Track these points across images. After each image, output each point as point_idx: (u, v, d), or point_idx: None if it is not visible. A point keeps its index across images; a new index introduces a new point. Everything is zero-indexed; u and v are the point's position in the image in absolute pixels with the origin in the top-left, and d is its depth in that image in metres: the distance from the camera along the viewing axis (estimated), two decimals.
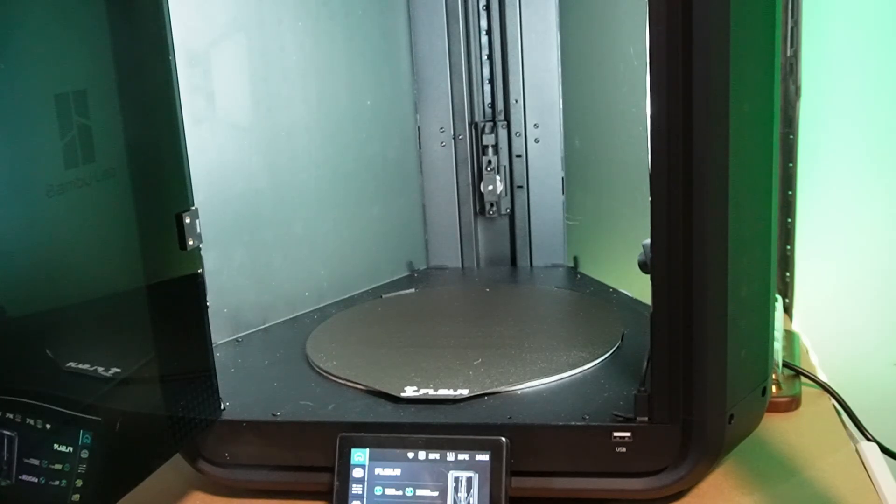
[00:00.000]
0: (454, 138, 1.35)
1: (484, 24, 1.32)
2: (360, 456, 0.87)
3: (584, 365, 0.97)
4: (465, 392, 0.91)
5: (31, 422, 0.69)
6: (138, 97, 0.82)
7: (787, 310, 1.36)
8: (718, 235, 0.77)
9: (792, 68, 1.30)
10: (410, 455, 0.87)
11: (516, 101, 1.33)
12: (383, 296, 1.27)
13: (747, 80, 0.76)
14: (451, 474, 0.85)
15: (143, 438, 0.82)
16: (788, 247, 1.35)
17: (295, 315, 1.21)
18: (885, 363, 1.39)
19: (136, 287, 0.82)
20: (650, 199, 0.79)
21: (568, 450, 0.85)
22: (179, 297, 0.88)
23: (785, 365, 1.08)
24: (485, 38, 1.33)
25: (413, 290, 1.29)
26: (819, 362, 1.19)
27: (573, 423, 0.85)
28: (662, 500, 0.86)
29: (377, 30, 1.28)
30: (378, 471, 0.87)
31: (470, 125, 1.35)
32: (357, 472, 0.87)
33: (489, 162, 1.34)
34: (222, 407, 0.93)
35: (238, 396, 0.95)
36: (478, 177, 1.36)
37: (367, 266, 1.31)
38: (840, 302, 1.39)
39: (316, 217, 1.23)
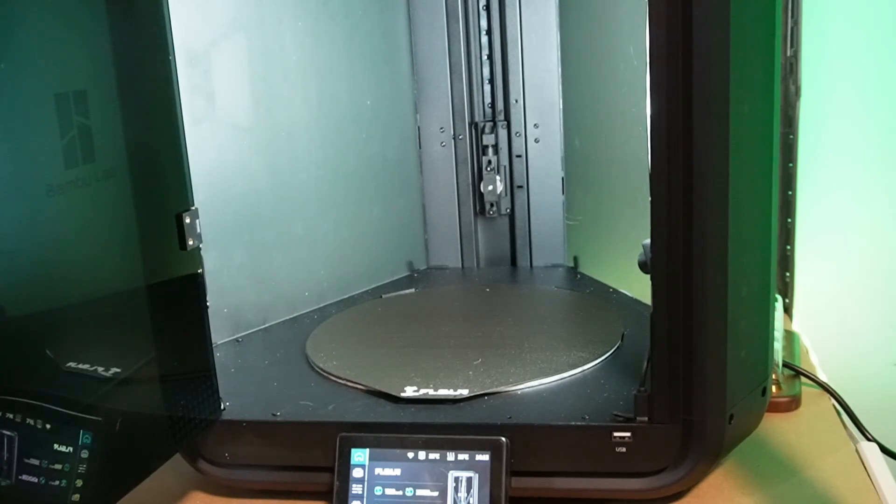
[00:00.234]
0: (454, 138, 1.35)
1: (484, 24, 1.32)
2: (360, 456, 0.87)
3: (584, 365, 0.97)
4: (465, 392, 0.91)
5: (31, 422, 0.69)
6: (138, 97, 0.82)
7: (787, 310, 1.36)
8: (718, 235, 0.77)
9: (792, 68, 1.29)
10: (410, 455, 0.87)
11: (516, 101, 1.33)
12: (383, 296, 1.27)
13: (747, 80, 0.76)
14: (451, 474, 0.85)
15: (143, 438, 0.82)
16: (788, 247, 1.35)
17: (295, 315, 1.20)
18: (885, 363, 1.39)
19: (137, 287, 0.82)
20: (650, 199, 0.79)
21: (568, 450, 0.85)
22: (179, 297, 0.88)
23: (785, 365, 1.08)
24: (485, 38, 1.33)
25: (413, 290, 1.29)
26: (819, 362, 1.19)
27: (573, 423, 0.85)
28: (662, 500, 0.86)
29: (377, 30, 1.28)
30: (378, 471, 0.87)
31: (470, 125, 1.35)
32: (357, 472, 0.87)
33: (489, 162, 1.34)
34: (222, 407, 0.93)
35: (238, 396, 0.95)
36: (478, 177, 1.36)
37: (367, 266, 1.31)
38: (840, 302, 1.38)
39: (316, 217, 1.23)
